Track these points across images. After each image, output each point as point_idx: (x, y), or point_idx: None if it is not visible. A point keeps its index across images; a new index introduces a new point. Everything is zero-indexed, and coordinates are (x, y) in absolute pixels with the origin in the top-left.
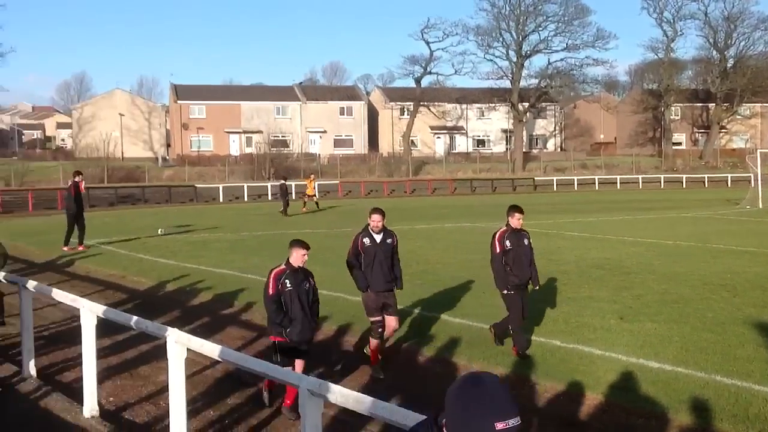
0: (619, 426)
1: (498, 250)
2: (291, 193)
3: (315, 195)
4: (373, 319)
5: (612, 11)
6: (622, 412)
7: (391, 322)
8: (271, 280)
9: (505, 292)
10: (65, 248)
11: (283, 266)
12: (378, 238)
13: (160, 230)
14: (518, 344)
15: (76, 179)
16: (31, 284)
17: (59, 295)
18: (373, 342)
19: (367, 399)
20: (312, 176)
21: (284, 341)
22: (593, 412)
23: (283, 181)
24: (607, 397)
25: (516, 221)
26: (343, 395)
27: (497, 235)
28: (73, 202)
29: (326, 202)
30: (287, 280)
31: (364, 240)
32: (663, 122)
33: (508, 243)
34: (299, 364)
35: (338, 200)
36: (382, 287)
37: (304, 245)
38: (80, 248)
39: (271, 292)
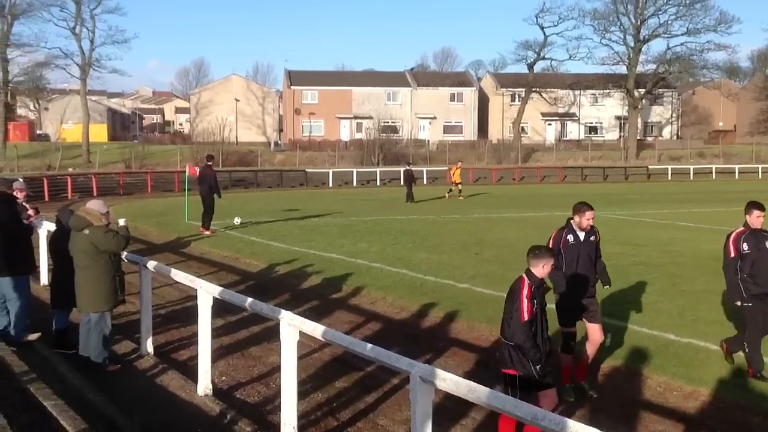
0: (735, 423)
1: (732, 254)
2: (416, 180)
3: (460, 183)
4: (566, 330)
5: None
6: (739, 410)
7: (595, 331)
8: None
9: (741, 303)
10: (205, 230)
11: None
12: (582, 235)
13: (236, 219)
14: (754, 364)
15: (209, 163)
16: (151, 264)
17: (178, 275)
18: (566, 358)
19: (481, 388)
20: (459, 163)
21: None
22: (708, 408)
23: (408, 167)
24: (723, 394)
25: (755, 219)
26: (455, 383)
27: (732, 237)
28: (206, 186)
29: (435, 188)
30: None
31: (568, 237)
32: None
33: (745, 246)
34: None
35: (447, 187)
36: (585, 291)
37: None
38: (203, 231)
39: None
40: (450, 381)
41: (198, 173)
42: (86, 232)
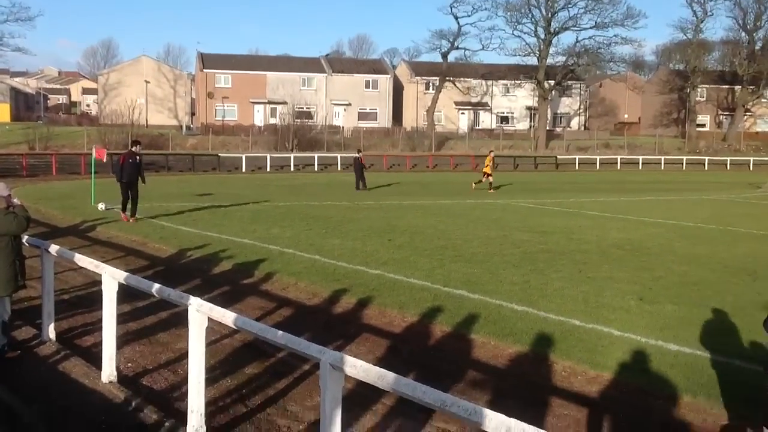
0: (636, 407)
1: None
2: (366, 167)
3: (491, 174)
4: None
5: None
6: (641, 393)
7: None
8: None
9: None
10: (123, 216)
11: None
12: None
13: (100, 205)
14: None
15: (134, 149)
16: (54, 248)
17: (81, 260)
18: None
19: (390, 375)
20: (491, 153)
21: None
22: (611, 392)
23: (357, 154)
24: (626, 378)
25: None
26: (365, 370)
27: None
28: (123, 171)
29: (348, 175)
30: None
31: None
32: (688, 103)
33: None
34: None
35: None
36: None
37: None
38: (131, 220)
39: None
40: (360, 368)
41: (126, 158)
42: None
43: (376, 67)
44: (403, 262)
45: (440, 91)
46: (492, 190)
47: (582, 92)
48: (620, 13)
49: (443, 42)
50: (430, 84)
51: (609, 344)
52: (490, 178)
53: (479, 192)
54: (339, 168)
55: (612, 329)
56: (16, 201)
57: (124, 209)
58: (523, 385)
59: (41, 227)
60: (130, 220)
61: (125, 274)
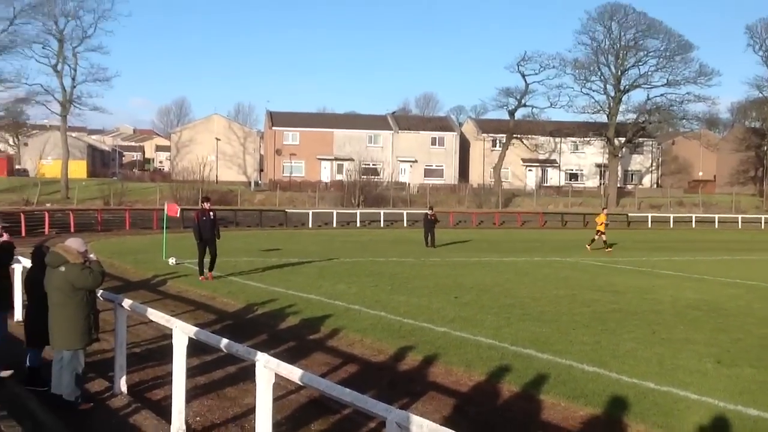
0: None
1: None
2: (437, 221)
3: (605, 233)
4: None
5: (716, 47)
6: None
7: None
8: None
9: None
10: (201, 278)
11: None
12: None
13: (171, 260)
14: None
15: (205, 205)
16: (127, 302)
17: (153, 314)
18: None
19: None
20: (604, 210)
21: None
22: None
23: (429, 211)
24: None
25: None
26: (431, 430)
27: None
28: (212, 229)
29: (414, 232)
30: None
31: None
32: (765, 161)
33: None
34: None
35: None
36: None
37: None
38: (207, 277)
39: None
40: (426, 428)
41: (200, 216)
42: (62, 269)
43: (442, 124)
44: (469, 319)
45: (507, 148)
46: (609, 249)
47: (654, 149)
48: (693, 71)
49: (510, 100)
50: (497, 141)
51: (685, 408)
52: (604, 237)
53: (548, 249)
54: (405, 224)
55: (688, 393)
56: (92, 257)
57: (201, 271)
58: None
59: (115, 281)
60: (207, 277)
61: (195, 329)
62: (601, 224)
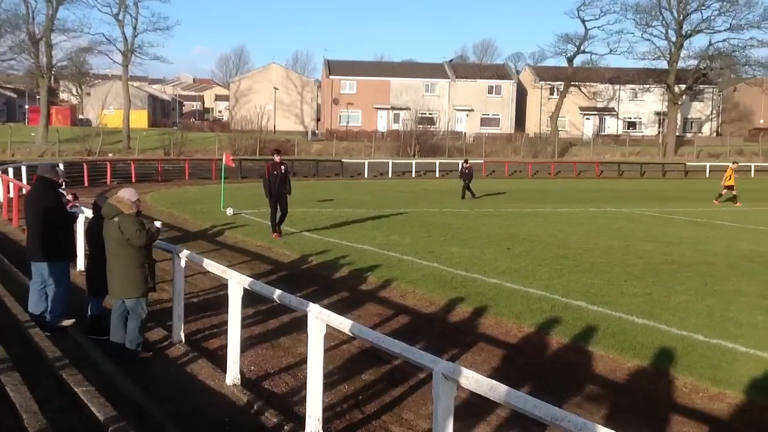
0: (762, 427)
1: None
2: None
3: (734, 187)
4: None
5: None
6: (766, 413)
7: None
8: None
9: None
10: (274, 234)
11: None
12: None
13: (229, 210)
14: None
15: (275, 158)
16: (184, 253)
17: (210, 265)
18: None
19: (502, 387)
20: (733, 164)
21: None
22: (734, 411)
23: (464, 163)
24: (750, 397)
25: None
26: (477, 381)
27: None
28: (270, 185)
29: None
30: None
31: None
32: None
33: None
34: None
35: (481, 180)
36: None
37: None
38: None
39: None
40: (472, 379)
41: (270, 170)
42: (116, 219)
43: (499, 72)
44: (521, 271)
45: (565, 96)
46: (739, 204)
47: (714, 97)
48: (757, 15)
49: (569, 46)
50: (555, 89)
51: (733, 361)
52: (733, 191)
53: (603, 199)
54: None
55: (737, 345)
56: (157, 224)
57: (273, 227)
58: (642, 401)
59: (174, 231)
60: (273, 236)
61: (250, 279)
62: (729, 178)
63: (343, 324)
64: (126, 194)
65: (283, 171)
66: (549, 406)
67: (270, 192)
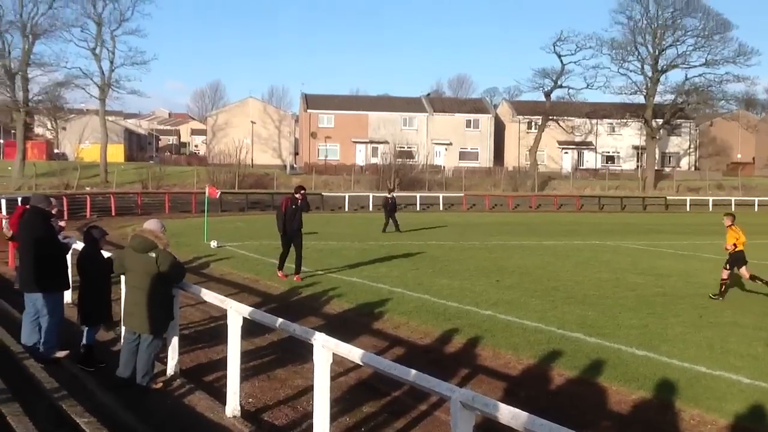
0: None
1: None
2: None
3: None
4: None
5: (755, 26)
6: None
7: None
8: None
9: None
10: (280, 273)
11: None
12: None
13: (213, 243)
14: None
15: (296, 195)
16: (181, 284)
17: (207, 295)
18: None
19: (522, 414)
20: (728, 216)
21: None
22: None
23: (389, 194)
24: (760, 428)
25: None
26: (496, 408)
27: None
28: (281, 218)
29: (450, 215)
30: None
31: None
32: None
33: None
34: None
35: (462, 214)
36: None
37: None
38: (295, 278)
39: None
40: (492, 406)
41: (288, 204)
42: (152, 254)
43: (477, 106)
44: (513, 303)
45: (543, 131)
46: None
47: (692, 131)
48: (732, 51)
49: (546, 81)
50: (533, 123)
51: (739, 392)
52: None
53: (586, 233)
54: (441, 207)
55: (741, 377)
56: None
57: (281, 265)
58: None
59: None
60: (295, 278)
61: (250, 309)
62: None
63: (352, 352)
64: (157, 226)
65: (300, 204)
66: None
67: (284, 228)
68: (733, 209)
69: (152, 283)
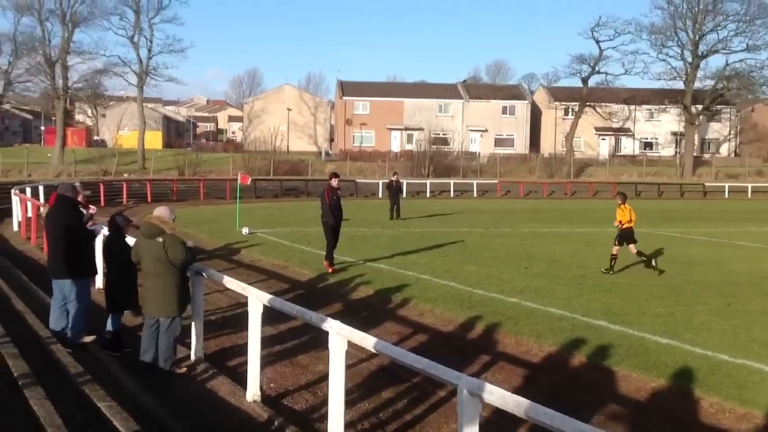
0: None
1: None
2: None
3: None
4: None
5: None
6: None
7: None
8: None
9: None
10: (325, 263)
11: None
12: None
13: (244, 230)
14: None
15: (333, 182)
16: (204, 271)
17: (230, 282)
18: None
19: (526, 402)
20: None
21: None
22: (762, 431)
23: (393, 178)
24: None
25: None
26: (502, 397)
27: None
28: (329, 210)
29: (484, 202)
30: None
31: None
32: None
33: None
34: None
35: (496, 200)
36: None
37: None
38: (324, 264)
39: None
40: (497, 395)
41: (330, 195)
42: (160, 239)
43: (513, 92)
44: (540, 290)
45: (580, 117)
46: None
47: (732, 117)
48: None
49: (583, 67)
50: (569, 109)
51: (760, 381)
52: None
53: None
54: (475, 194)
55: (763, 365)
56: (189, 243)
57: (329, 256)
58: (667, 420)
59: None
60: (324, 264)
61: (270, 296)
62: None
63: (365, 340)
64: (166, 213)
65: (340, 194)
66: (577, 422)
67: (334, 219)
68: None
69: (163, 267)
